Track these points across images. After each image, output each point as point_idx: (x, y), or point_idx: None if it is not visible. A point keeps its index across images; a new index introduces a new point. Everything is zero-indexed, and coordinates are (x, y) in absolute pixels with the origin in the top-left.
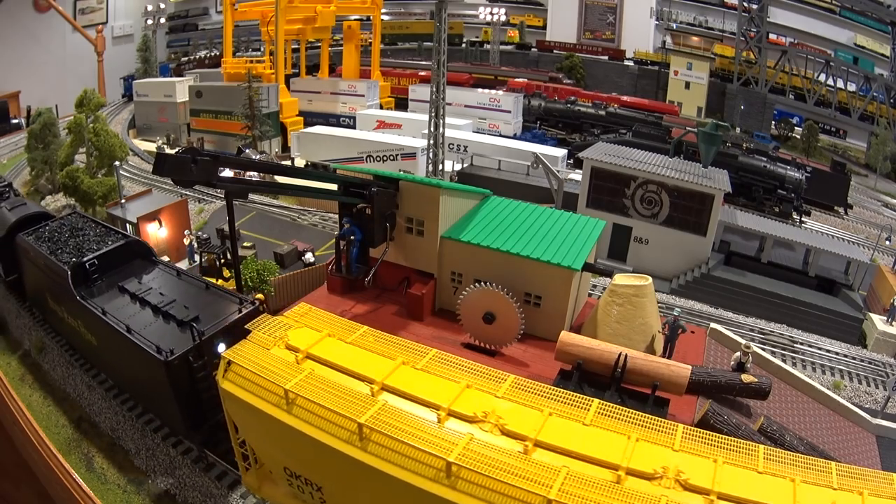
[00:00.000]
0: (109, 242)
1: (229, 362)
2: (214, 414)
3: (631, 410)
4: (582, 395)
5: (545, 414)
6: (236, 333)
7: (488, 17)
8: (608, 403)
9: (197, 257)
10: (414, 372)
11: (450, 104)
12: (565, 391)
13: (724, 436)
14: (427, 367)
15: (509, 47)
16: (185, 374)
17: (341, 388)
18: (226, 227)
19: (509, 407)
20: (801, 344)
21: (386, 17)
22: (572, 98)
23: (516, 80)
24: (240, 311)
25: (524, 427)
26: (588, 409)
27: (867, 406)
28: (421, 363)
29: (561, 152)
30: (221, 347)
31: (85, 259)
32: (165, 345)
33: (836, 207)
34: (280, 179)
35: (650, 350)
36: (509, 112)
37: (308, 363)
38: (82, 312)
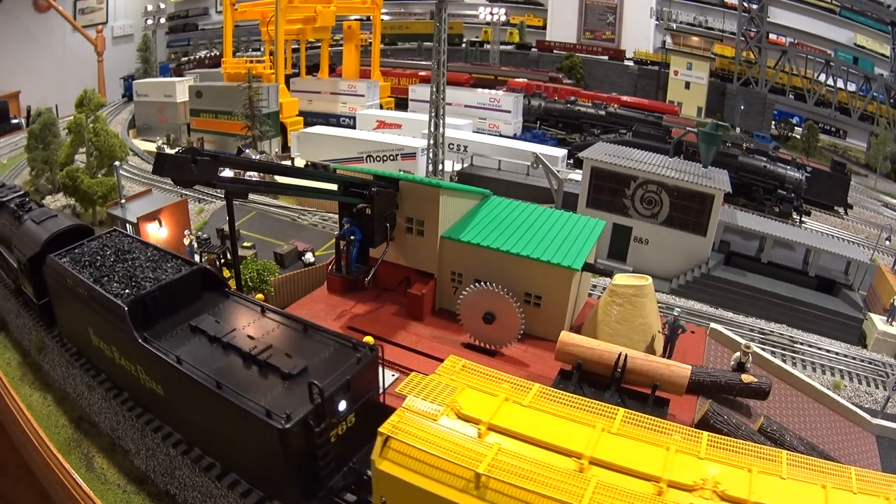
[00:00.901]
0: (169, 270)
1: (387, 438)
2: (329, 480)
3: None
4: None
5: (754, 473)
6: (355, 386)
7: (488, 17)
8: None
9: (197, 257)
10: (614, 438)
11: (450, 104)
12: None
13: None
14: (624, 432)
15: (509, 47)
16: (303, 441)
17: (541, 466)
18: (226, 227)
19: (719, 469)
20: (801, 344)
21: (386, 17)
22: (572, 98)
23: (516, 80)
24: (358, 361)
25: (740, 490)
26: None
27: (867, 406)
28: (615, 426)
29: (561, 152)
30: (342, 405)
31: (146, 292)
32: (277, 406)
33: (836, 207)
34: (280, 179)
35: (650, 350)
36: (509, 112)
37: (493, 436)
38: (145, 357)
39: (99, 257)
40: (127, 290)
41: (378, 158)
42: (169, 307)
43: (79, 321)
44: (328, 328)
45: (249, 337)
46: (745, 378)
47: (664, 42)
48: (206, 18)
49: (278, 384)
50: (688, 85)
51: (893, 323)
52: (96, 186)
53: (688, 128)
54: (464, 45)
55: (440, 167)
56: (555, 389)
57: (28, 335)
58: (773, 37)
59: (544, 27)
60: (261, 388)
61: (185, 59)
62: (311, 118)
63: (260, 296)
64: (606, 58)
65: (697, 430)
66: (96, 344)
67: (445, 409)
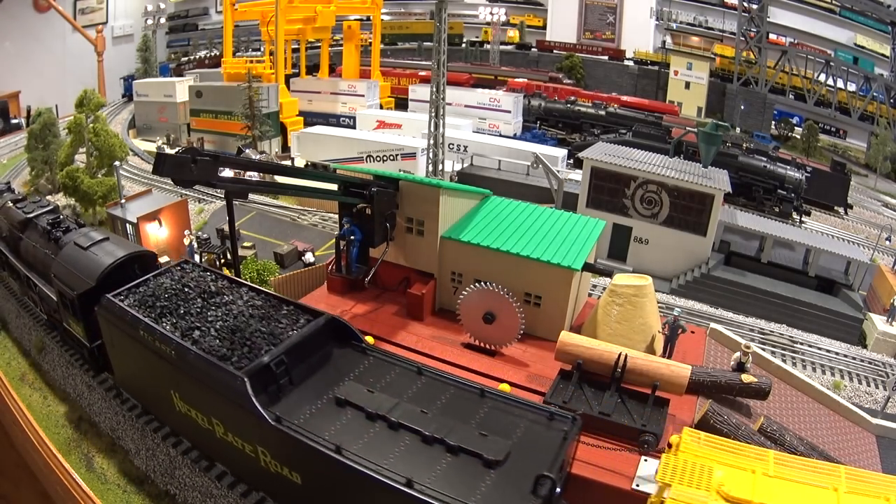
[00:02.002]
0: (283, 320)
1: None
2: None
3: None
4: None
5: None
6: (565, 469)
7: (488, 17)
8: None
9: (197, 257)
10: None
11: (450, 104)
12: None
13: None
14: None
15: (509, 47)
16: None
17: None
18: (226, 227)
19: None
20: (801, 344)
21: (386, 17)
22: (572, 98)
23: (516, 80)
24: (565, 437)
25: None
26: None
27: (867, 406)
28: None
29: (561, 152)
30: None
31: (270, 359)
32: None
33: (836, 207)
34: (280, 179)
35: (650, 350)
36: (509, 112)
37: None
38: (276, 441)
39: (178, 300)
40: (236, 351)
41: (378, 158)
42: (297, 372)
43: (154, 380)
44: (510, 393)
45: (421, 411)
46: (745, 378)
47: (664, 42)
48: (206, 18)
49: (482, 475)
50: (688, 85)
51: (893, 323)
52: (96, 186)
53: (688, 128)
54: (464, 45)
55: (440, 167)
56: (788, 455)
57: (28, 335)
58: (773, 37)
59: (544, 27)
60: (464, 484)
61: (185, 59)
62: (311, 118)
63: None
64: (606, 58)
65: None
66: (183, 410)
67: (712, 495)
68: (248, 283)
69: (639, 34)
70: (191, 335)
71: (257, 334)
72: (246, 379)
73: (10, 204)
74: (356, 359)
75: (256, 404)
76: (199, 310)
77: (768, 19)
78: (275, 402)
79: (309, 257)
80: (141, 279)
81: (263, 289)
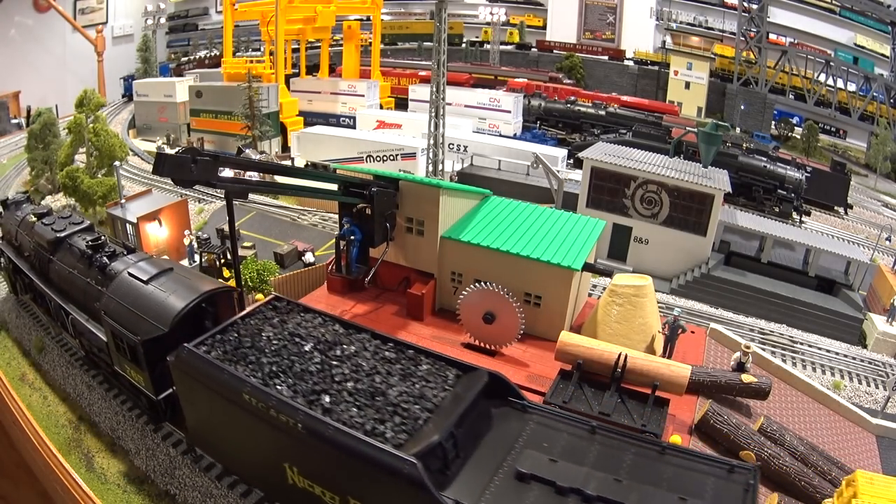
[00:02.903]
0: (431, 381)
1: None
2: None
3: None
4: None
5: None
6: None
7: (488, 17)
8: None
9: (197, 257)
10: None
11: (450, 104)
12: None
13: None
14: None
15: (509, 47)
16: None
17: None
18: (226, 227)
19: None
20: (801, 344)
21: (386, 17)
22: (572, 98)
23: (516, 80)
24: (746, 491)
25: None
26: None
27: (867, 406)
28: None
29: (561, 152)
30: None
31: (441, 437)
32: None
33: (836, 207)
34: (280, 179)
35: (650, 350)
36: (509, 112)
37: None
38: None
39: (289, 353)
40: (386, 423)
41: (378, 158)
42: (464, 442)
43: (256, 449)
44: (686, 447)
45: (615, 479)
46: (745, 378)
47: (664, 42)
48: (206, 18)
49: None
50: (688, 85)
51: (893, 323)
52: (96, 186)
53: (688, 128)
54: (464, 45)
55: (440, 167)
56: None
57: (28, 335)
58: (773, 37)
59: (544, 27)
60: None
61: (185, 59)
62: (311, 118)
63: (260, 296)
64: (606, 58)
65: None
66: (301, 485)
67: None
68: (369, 329)
69: (639, 34)
70: (319, 402)
71: (404, 398)
72: (418, 463)
73: (34, 218)
74: (519, 419)
75: (435, 493)
76: (318, 366)
77: (768, 19)
78: (447, 483)
79: (309, 257)
80: (227, 323)
81: (389, 335)
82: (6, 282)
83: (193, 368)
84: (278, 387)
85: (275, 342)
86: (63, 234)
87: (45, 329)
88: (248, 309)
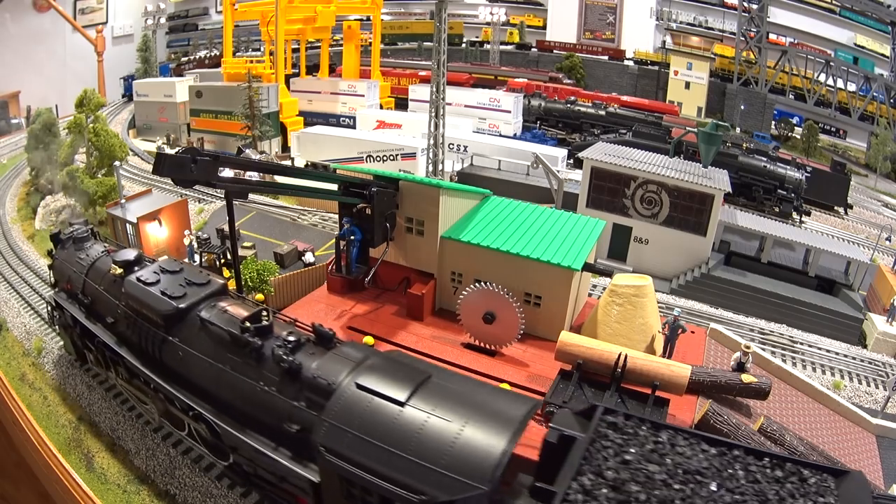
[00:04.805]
0: None
1: None
2: None
3: None
4: None
5: None
6: None
7: (488, 17)
8: None
9: (197, 257)
10: None
11: (450, 104)
12: None
13: None
14: None
15: (509, 47)
16: None
17: None
18: (226, 227)
19: None
20: (801, 344)
21: (386, 17)
22: (572, 98)
23: (516, 80)
24: None
25: None
26: None
27: (867, 406)
28: None
29: (561, 152)
30: None
31: None
32: None
33: (836, 207)
34: (280, 179)
35: (650, 350)
36: (509, 112)
37: None
38: None
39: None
40: None
41: (378, 158)
42: None
43: None
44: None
45: None
46: (745, 378)
47: (664, 42)
48: (206, 18)
49: None
50: (688, 85)
51: (893, 323)
52: (96, 186)
53: (688, 128)
54: (464, 45)
55: (440, 167)
56: None
57: (28, 335)
58: (773, 37)
59: (544, 27)
60: None
61: (185, 59)
62: (311, 118)
63: (260, 296)
64: (606, 58)
65: None
66: None
67: None
68: (735, 443)
69: (639, 34)
70: None
71: None
72: None
73: (118, 270)
74: None
75: None
76: None
77: (768, 19)
78: None
79: (309, 257)
80: (575, 461)
81: (770, 450)
82: (64, 342)
83: None
84: None
85: (675, 486)
86: (185, 304)
87: (145, 422)
88: (587, 435)
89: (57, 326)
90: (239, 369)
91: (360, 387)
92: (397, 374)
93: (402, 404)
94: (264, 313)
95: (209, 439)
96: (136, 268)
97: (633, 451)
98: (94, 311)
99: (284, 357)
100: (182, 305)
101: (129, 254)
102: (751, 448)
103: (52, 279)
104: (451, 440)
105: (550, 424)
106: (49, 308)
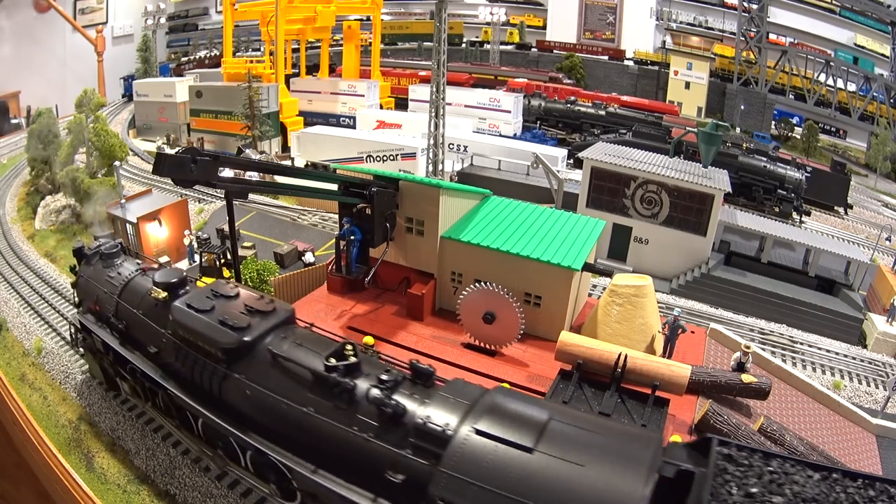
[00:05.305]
0: None
1: None
2: None
3: None
4: None
5: None
6: None
7: (488, 17)
8: None
9: (197, 257)
10: None
11: (450, 104)
12: None
13: None
14: None
15: (509, 47)
16: None
17: None
18: (226, 227)
19: None
20: (801, 344)
21: (386, 17)
22: (572, 98)
23: (516, 80)
24: None
25: None
26: None
27: (867, 406)
28: None
29: (561, 152)
30: None
31: None
32: None
33: (836, 207)
34: (280, 179)
35: (650, 350)
36: (509, 112)
37: None
38: None
39: None
40: None
41: (378, 158)
42: None
43: None
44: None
45: None
46: (745, 378)
47: (664, 42)
48: (206, 18)
49: None
50: (688, 85)
51: (893, 323)
52: (96, 186)
53: (688, 128)
54: (464, 45)
55: (440, 167)
56: None
57: (28, 335)
58: (773, 37)
59: (544, 27)
60: None
61: (185, 59)
62: (311, 118)
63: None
64: (606, 58)
65: None
66: None
67: None
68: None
69: (639, 34)
70: None
71: None
72: None
73: (161, 293)
74: None
75: None
76: None
77: (768, 19)
78: None
79: (309, 257)
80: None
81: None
82: (90, 366)
83: None
84: None
85: None
86: (251, 337)
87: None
88: (709, 469)
89: (81, 349)
90: (325, 412)
91: (480, 433)
92: (517, 416)
93: (530, 450)
94: (349, 347)
95: (271, 476)
96: (180, 290)
97: (754, 481)
98: (130, 337)
99: (387, 401)
100: (248, 338)
101: (172, 274)
102: (847, 470)
103: (76, 298)
104: (588, 487)
105: (665, 459)
106: (72, 330)
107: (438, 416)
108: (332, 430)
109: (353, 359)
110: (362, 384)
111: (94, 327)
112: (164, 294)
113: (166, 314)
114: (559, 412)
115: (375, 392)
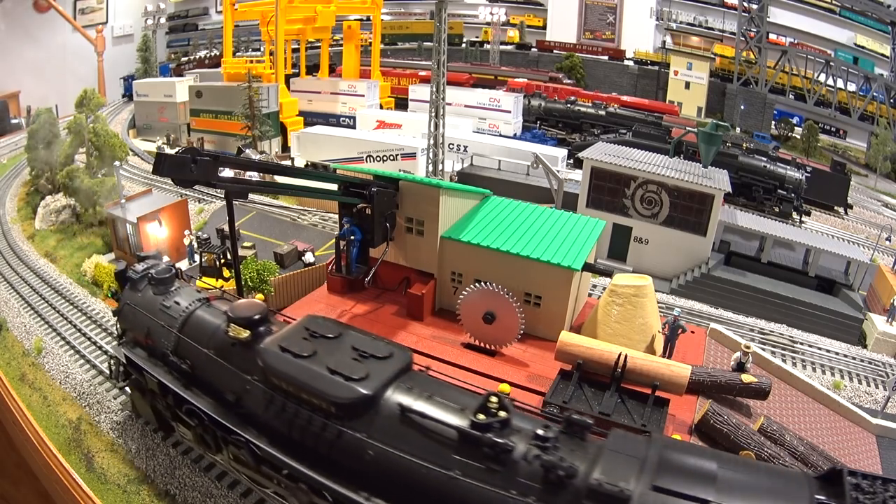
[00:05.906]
0: None
1: None
2: None
3: None
4: None
5: None
6: None
7: (488, 17)
8: None
9: (197, 257)
10: None
11: (450, 104)
12: None
13: None
14: None
15: (509, 47)
16: None
17: None
18: (226, 227)
19: None
20: (801, 344)
21: (386, 17)
22: (572, 98)
23: (516, 80)
24: None
25: None
26: None
27: (867, 406)
28: None
29: (561, 152)
30: None
31: None
32: None
33: (836, 207)
34: (280, 179)
35: (650, 350)
36: (509, 112)
37: None
38: None
39: None
40: None
41: (378, 158)
42: None
43: None
44: None
45: None
46: (745, 378)
47: (664, 42)
48: (206, 18)
49: None
50: (688, 85)
51: (893, 323)
52: (96, 186)
53: (688, 128)
54: (464, 45)
55: (440, 167)
56: None
57: (28, 335)
58: (773, 37)
59: (544, 27)
60: None
61: (185, 59)
62: (311, 118)
63: (260, 296)
64: (606, 58)
65: None
66: None
67: None
68: None
69: (639, 34)
70: None
71: None
72: None
73: (243, 333)
74: None
75: None
76: None
77: (768, 19)
78: None
79: (309, 257)
80: None
81: None
82: (138, 405)
83: None
84: None
85: None
86: (372, 390)
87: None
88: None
89: (126, 386)
90: (475, 475)
91: (659, 489)
92: (688, 467)
93: None
94: (493, 400)
95: None
96: (261, 327)
97: None
98: (196, 379)
99: (558, 462)
100: (368, 391)
101: (252, 309)
102: None
103: (119, 328)
104: None
105: (816, 496)
106: (114, 363)
107: (613, 474)
108: (485, 495)
109: (502, 413)
110: (518, 443)
111: (147, 365)
112: (245, 333)
113: (250, 357)
114: (723, 459)
115: (536, 451)
